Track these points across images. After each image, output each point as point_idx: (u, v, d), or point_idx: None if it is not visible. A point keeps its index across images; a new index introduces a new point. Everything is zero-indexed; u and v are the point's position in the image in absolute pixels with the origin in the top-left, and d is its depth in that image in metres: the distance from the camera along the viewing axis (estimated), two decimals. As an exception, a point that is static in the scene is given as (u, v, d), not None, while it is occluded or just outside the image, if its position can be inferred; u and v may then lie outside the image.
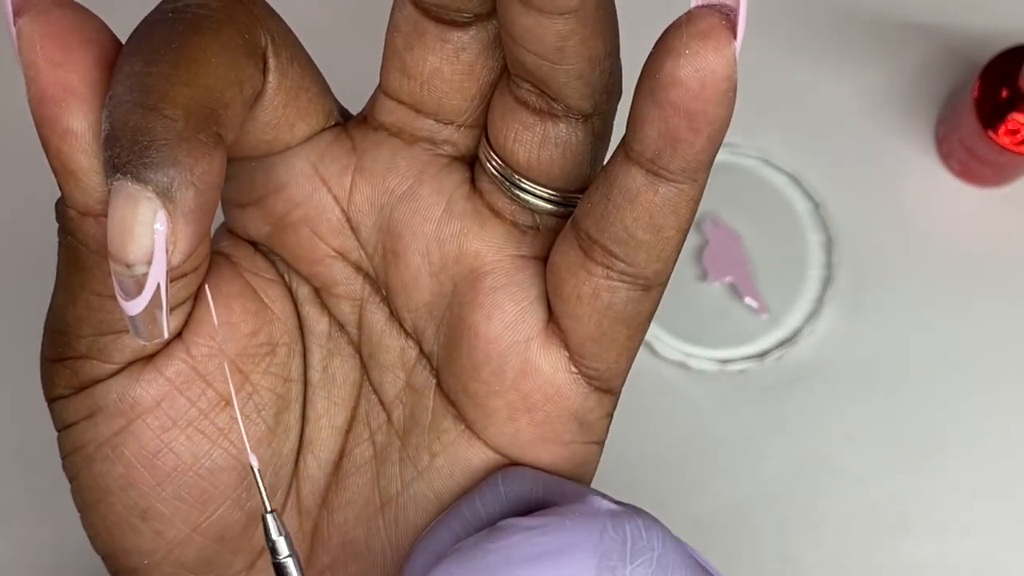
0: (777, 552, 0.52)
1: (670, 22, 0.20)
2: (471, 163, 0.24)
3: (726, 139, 0.53)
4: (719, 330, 0.53)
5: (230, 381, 0.23)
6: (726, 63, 0.19)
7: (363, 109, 0.25)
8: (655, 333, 0.53)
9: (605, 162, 0.22)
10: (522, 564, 0.20)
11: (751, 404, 0.53)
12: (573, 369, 0.23)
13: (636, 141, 0.20)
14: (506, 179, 0.23)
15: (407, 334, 0.25)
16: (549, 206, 0.23)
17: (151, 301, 0.20)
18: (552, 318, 0.23)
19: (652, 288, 0.22)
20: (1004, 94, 0.49)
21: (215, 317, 0.22)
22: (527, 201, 0.23)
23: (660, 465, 0.53)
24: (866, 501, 0.52)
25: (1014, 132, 0.49)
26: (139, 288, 0.19)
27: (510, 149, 0.23)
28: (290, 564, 0.21)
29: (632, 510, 0.21)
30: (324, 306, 0.26)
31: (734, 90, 0.19)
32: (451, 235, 0.24)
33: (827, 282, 0.53)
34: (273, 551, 0.21)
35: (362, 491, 0.26)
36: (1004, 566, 0.51)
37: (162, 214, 0.19)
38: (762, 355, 0.53)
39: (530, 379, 0.23)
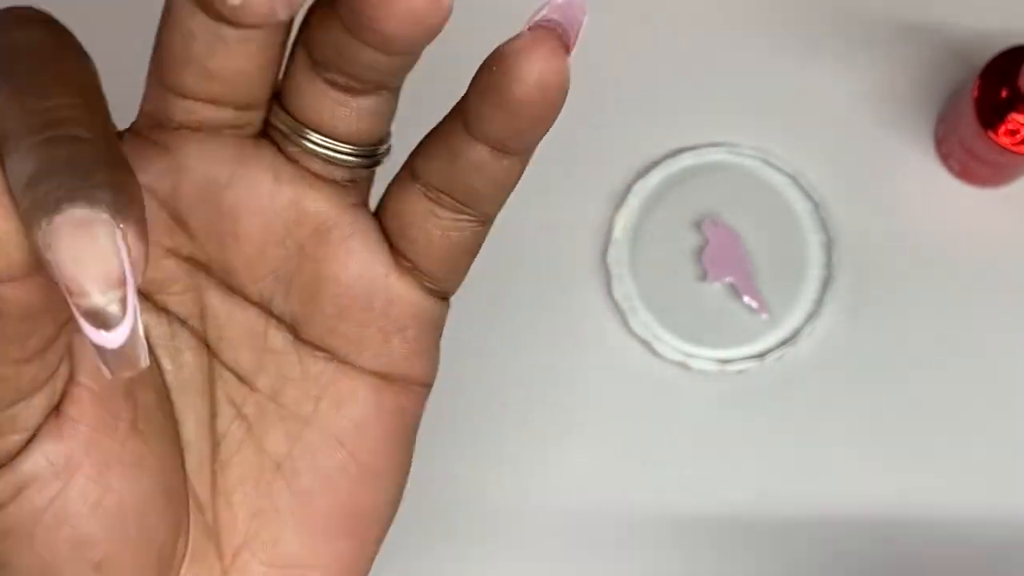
0: (777, 553, 0.52)
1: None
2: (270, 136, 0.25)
3: (726, 139, 0.54)
4: (719, 330, 0.53)
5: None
6: (559, 74, 0.21)
7: (142, 113, 0.24)
8: (655, 333, 0.53)
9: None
10: None
11: (751, 404, 0.53)
12: (428, 287, 0.26)
13: (478, 131, 0.23)
14: (326, 148, 0.24)
15: (253, 304, 0.25)
16: (362, 160, 0.25)
17: (135, 322, 0.19)
18: (397, 252, 0.25)
19: (492, 219, 0.25)
20: (1004, 94, 0.49)
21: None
22: (346, 162, 0.25)
23: (660, 465, 0.53)
24: (865, 501, 0.52)
25: (1014, 132, 0.49)
26: (121, 313, 0.19)
27: (329, 126, 0.24)
28: None
29: None
30: (160, 309, 0.25)
31: (566, 94, 0.22)
32: (286, 203, 0.24)
33: (827, 282, 0.53)
34: None
35: (251, 464, 0.26)
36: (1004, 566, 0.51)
37: (119, 233, 0.19)
38: (762, 355, 0.53)
39: (396, 305, 0.25)
